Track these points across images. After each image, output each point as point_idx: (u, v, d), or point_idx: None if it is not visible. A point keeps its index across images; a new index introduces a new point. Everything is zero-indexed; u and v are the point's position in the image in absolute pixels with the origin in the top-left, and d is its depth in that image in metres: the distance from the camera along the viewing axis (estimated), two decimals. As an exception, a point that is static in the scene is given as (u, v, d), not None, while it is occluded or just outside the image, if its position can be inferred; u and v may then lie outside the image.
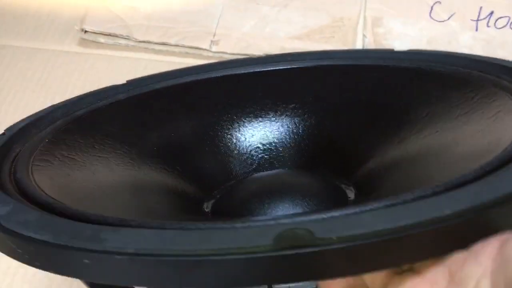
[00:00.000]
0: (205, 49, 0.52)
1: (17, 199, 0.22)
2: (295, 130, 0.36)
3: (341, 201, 0.30)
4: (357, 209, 0.19)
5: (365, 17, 0.50)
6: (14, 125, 0.31)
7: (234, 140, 0.36)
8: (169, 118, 0.35)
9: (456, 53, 0.36)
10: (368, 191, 0.30)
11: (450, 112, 0.30)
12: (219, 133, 0.36)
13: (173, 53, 0.53)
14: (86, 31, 0.53)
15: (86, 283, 0.26)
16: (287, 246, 0.17)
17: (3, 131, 0.30)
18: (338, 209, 0.19)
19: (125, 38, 0.53)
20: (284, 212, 0.28)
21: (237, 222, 0.19)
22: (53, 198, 0.22)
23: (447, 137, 0.29)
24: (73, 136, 0.30)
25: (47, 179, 0.25)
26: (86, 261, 0.18)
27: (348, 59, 0.37)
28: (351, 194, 0.31)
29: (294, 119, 0.36)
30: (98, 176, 0.28)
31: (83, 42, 0.54)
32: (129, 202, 0.27)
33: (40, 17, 0.57)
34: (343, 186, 0.32)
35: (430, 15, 0.49)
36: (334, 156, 0.34)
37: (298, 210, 0.29)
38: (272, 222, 0.19)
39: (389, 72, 0.35)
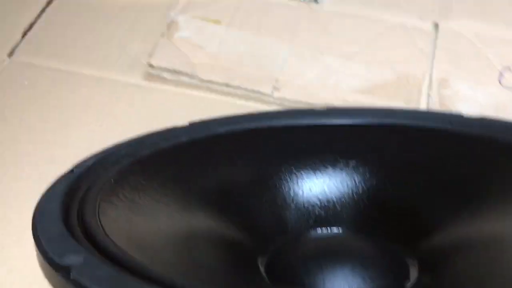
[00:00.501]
0: (266, 94, 0.52)
1: (87, 247, 0.22)
2: (354, 189, 0.35)
3: (402, 278, 0.29)
4: None
5: (431, 77, 0.50)
6: (81, 162, 0.31)
7: (292, 193, 0.35)
8: (229, 164, 0.35)
9: None
10: (432, 270, 0.28)
11: None
12: (277, 184, 0.35)
13: (235, 95, 0.53)
14: (152, 66, 0.55)
15: None
16: None
17: (71, 169, 0.31)
18: None
19: (189, 76, 0.54)
20: (342, 282, 0.28)
21: None
22: (122, 250, 0.22)
23: None
24: (137, 178, 0.30)
25: (112, 223, 0.25)
26: None
27: (415, 120, 0.36)
28: (414, 270, 0.30)
29: (354, 177, 0.35)
30: (158, 223, 0.28)
31: (148, 76, 0.56)
32: (187, 256, 0.27)
33: (110, 48, 0.59)
34: (406, 259, 0.31)
35: (499, 81, 0.49)
36: (396, 222, 0.33)
37: (358, 281, 0.28)
38: None
39: (459, 138, 0.33)
